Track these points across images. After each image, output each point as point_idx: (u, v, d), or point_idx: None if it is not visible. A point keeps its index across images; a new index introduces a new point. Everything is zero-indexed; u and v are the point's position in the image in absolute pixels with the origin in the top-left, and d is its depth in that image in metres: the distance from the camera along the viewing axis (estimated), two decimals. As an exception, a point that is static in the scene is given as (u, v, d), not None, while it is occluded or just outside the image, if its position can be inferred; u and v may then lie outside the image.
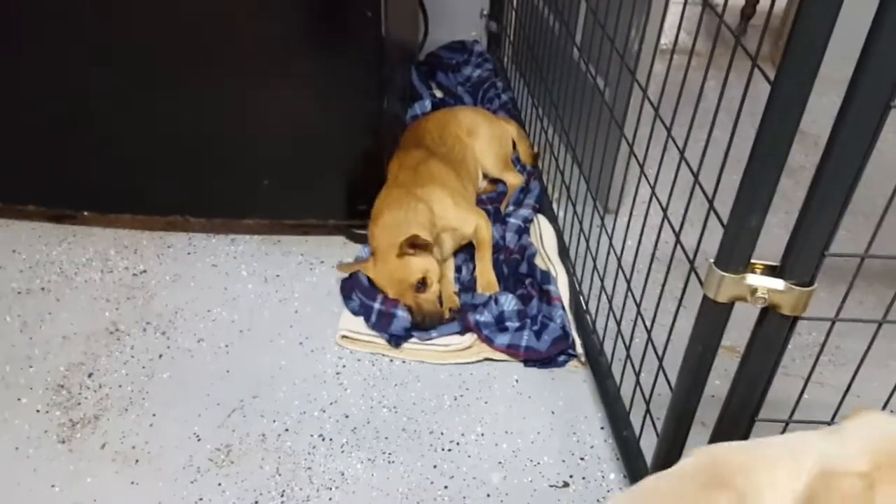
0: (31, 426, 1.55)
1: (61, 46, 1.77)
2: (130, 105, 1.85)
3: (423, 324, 1.74)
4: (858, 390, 1.15)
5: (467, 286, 1.91)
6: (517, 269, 1.91)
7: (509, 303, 1.77)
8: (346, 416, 1.61)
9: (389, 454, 1.53)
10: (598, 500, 1.45)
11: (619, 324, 1.57)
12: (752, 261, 1.01)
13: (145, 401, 1.62)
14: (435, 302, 1.77)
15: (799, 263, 0.97)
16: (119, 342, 1.75)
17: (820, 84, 0.88)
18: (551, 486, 1.48)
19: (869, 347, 1.10)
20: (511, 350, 1.72)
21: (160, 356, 1.72)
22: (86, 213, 2.04)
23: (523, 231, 2.02)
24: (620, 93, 1.63)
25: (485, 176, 2.23)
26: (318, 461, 1.51)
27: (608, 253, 1.62)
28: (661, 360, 1.35)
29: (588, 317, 1.77)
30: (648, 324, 1.41)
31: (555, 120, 2.12)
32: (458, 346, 1.74)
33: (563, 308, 1.78)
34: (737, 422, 1.15)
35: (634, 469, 1.46)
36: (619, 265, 1.55)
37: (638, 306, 1.46)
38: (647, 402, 1.42)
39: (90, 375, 1.67)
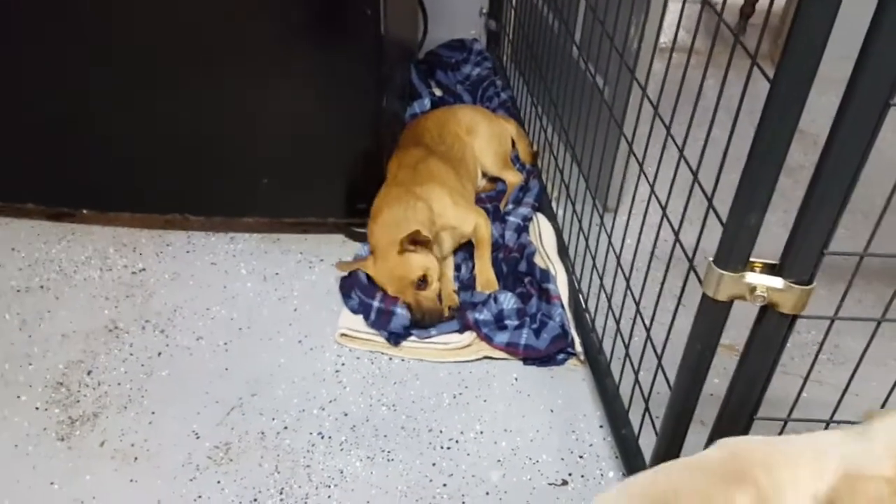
0: (31, 424, 1.55)
1: (61, 46, 1.77)
2: (130, 105, 1.84)
3: (423, 322, 1.74)
4: (857, 389, 1.15)
5: (466, 284, 1.91)
6: (516, 268, 1.91)
7: (508, 301, 1.78)
8: (346, 414, 1.61)
9: (388, 452, 1.53)
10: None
11: (618, 322, 1.57)
12: (752, 259, 1.01)
13: (144, 398, 1.62)
14: (435, 300, 1.77)
15: (798, 262, 0.97)
16: (118, 340, 1.75)
17: (819, 83, 0.88)
18: (550, 484, 1.49)
19: (868, 346, 1.11)
20: (510, 348, 1.72)
21: (159, 354, 1.72)
22: (85, 212, 2.04)
23: (522, 229, 2.02)
24: (620, 91, 1.63)
25: (484, 174, 2.23)
26: (317, 459, 1.51)
27: (607, 251, 1.62)
28: (660, 358, 1.35)
29: (587, 315, 1.77)
30: (647, 322, 1.41)
31: (554, 118, 2.12)
32: (457, 345, 1.74)
33: (563, 306, 1.78)
34: (736, 420, 1.16)
35: (633, 467, 1.46)
36: (619, 263, 1.55)
37: (637, 305, 1.46)
38: (646, 401, 1.42)
39: (89, 373, 1.67)
